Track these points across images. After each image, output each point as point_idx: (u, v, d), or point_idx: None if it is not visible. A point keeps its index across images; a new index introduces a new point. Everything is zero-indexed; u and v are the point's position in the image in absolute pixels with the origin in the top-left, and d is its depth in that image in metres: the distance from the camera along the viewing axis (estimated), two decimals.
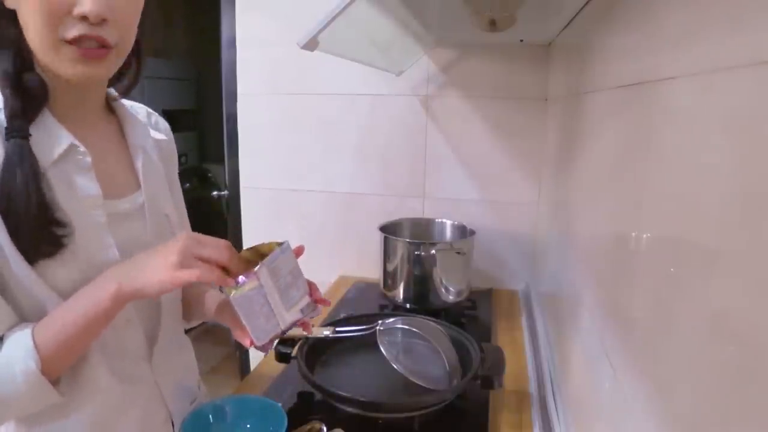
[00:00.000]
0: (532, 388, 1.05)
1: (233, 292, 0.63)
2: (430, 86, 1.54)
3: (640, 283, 0.52)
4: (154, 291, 0.58)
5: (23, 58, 0.59)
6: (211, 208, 2.62)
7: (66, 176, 0.61)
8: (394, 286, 1.37)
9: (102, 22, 0.57)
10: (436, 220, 1.55)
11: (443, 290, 1.33)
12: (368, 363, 1.03)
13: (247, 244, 1.74)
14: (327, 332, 1.03)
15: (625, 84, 0.63)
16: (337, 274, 1.68)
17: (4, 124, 0.57)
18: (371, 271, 1.53)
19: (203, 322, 0.89)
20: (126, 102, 0.76)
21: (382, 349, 0.93)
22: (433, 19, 1.15)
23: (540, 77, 1.46)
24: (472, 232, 1.40)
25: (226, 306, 0.77)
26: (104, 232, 0.64)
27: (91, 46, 0.58)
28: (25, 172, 0.56)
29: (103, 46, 0.59)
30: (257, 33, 1.62)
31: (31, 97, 0.59)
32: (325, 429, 0.83)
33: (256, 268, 0.63)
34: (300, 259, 0.70)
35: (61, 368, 0.60)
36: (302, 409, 0.94)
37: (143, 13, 0.67)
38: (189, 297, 0.83)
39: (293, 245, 0.69)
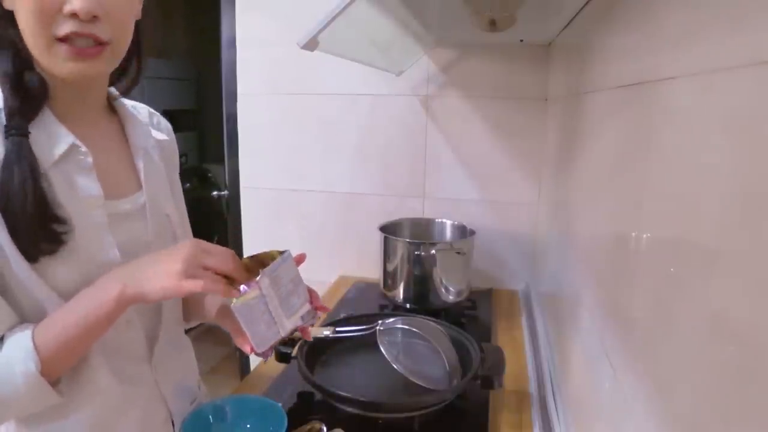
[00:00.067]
0: (532, 388, 1.05)
1: (235, 300, 0.63)
2: (430, 86, 1.53)
3: (640, 283, 0.52)
4: (156, 297, 0.58)
5: (23, 57, 0.60)
6: (211, 208, 2.61)
7: (67, 176, 0.61)
8: (394, 286, 1.37)
9: (93, 19, 0.57)
10: (436, 220, 1.54)
11: (443, 290, 1.33)
12: (368, 363, 1.03)
13: (247, 243, 1.74)
14: (327, 332, 1.03)
15: (625, 84, 0.63)
16: (337, 274, 1.68)
17: (4, 123, 0.57)
18: (371, 271, 1.53)
19: (203, 323, 0.89)
20: (128, 102, 0.76)
21: (382, 349, 0.93)
22: (433, 19, 1.15)
23: (540, 77, 1.46)
24: (472, 232, 1.40)
25: (226, 310, 0.77)
26: (105, 232, 0.64)
27: (85, 45, 0.58)
28: (23, 170, 0.56)
29: (98, 43, 0.59)
30: (257, 33, 1.62)
31: (31, 96, 0.59)
32: (325, 429, 0.83)
33: (257, 278, 0.63)
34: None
35: (61, 369, 0.60)
36: (302, 409, 0.94)
37: (143, 13, 0.68)
38: (189, 298, 0.83)
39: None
